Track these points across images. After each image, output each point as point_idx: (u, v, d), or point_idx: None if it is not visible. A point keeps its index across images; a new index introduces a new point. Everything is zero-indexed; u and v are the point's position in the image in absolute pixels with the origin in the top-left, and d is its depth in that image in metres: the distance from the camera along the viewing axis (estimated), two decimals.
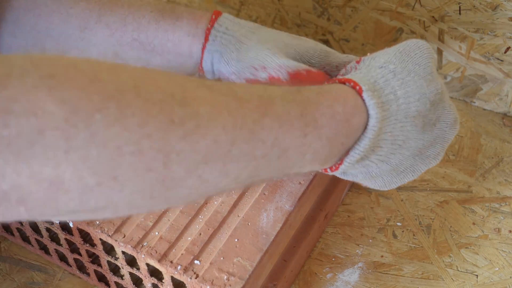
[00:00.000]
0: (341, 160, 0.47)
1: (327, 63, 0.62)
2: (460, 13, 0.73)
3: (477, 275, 0.63)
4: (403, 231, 0.68)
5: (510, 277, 0.63)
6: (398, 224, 0.68)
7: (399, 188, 0.71)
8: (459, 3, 0.72)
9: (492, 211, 0.69)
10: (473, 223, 0.68)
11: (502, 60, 0.75)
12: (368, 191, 0.71)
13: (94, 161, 0.33)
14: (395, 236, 0.67)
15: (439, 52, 0.79)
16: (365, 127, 0.46)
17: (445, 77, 0.81)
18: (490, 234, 0.67)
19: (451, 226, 0.68)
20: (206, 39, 0.61)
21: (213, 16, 0.62)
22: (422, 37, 0.78)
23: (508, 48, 0.73)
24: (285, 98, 0.43)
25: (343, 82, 0.47)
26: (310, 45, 0.61)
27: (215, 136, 0.38)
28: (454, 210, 0.69)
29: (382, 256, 0.65)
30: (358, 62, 0.51)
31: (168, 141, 0.35)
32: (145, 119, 0.35)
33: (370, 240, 0.67)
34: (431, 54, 0.51)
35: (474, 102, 0.81)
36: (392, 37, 0.81)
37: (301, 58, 0.61)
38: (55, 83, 0.32)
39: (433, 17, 0.76)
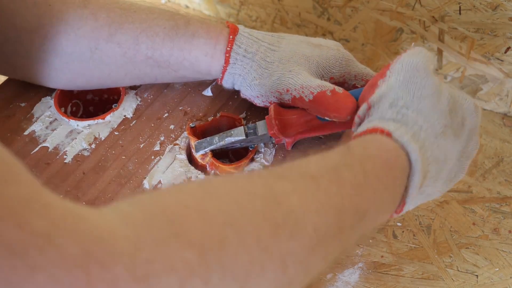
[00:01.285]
0: (402, 201, 0.49)
1: (347, 72, 0.62)
2: (460, 13, 0.73)
3: (477, 275, 0.63)
4: (403, 231, 0.68)
5: (510, 277, 0.63)
6: (398, 224, 0.68)
7: None
8: (459, 3, 0.72)
9: (492, 211, 0.69)
10: (473, 223, 0.68)
11: (502, 60, 0.75)
12: None
13: None
14: (395, 236, 0.67)
15: (439, 52, 0.79)
16: (410, 163, 0.48)
17: (445, 77, 0.81)
18: (490, 234, 0.67)
19: (451, 226, 0.68)
20: (227, 62, 0.60)
21: (231, 37, 0.60)
22: (422, 37, 0.78)
23: (508, 48, 0.73)
24: (346, 163, 0.44)
25: (372, 132, 0.49)
26: (332, 54, 0.61)
27: (313, 224, 0.39)
28: (454, 210, 0.69)
29: (382, 256, 0.65)
30: (368, 109, 0.51)
31: (281, 245, 0.36)
32: (259, 233, 0.35)
33: (370, 240, 0.67)
34: (428, 65, 0.51)
35: None
36: (392, 37, 0.81)
37: (323, 70, 0.61)
38: (178, 229, 0.32)
39: (433, 17, 0.76)
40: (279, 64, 0.59)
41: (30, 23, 0.60)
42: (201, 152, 0.60)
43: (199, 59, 0.61)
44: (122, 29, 0.60)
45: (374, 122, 0.49)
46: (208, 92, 0.67)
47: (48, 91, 0.67)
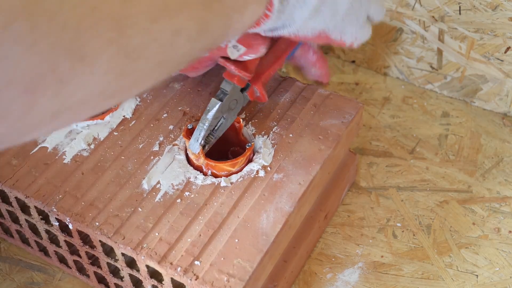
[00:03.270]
0: None
1: None
2: (460, 13, 0.73)
3: (477, 275, 0.63)
4: (403, 231, 0.68)
5: (510, 277, 0.63)
6: (398, 224, 0.68)
7: (399, 188, 0.71)
8: (459, 3, 0.72)
9: (492, 211, 0.69)
10: (473, 223, 0.68)
11: (502, 60, 0.75)
12: (368, 190, 0.71)
13: (59, 42, 0.33)
14: (395, 236, 0.67)
15: (439, 52, 0.79)
16: None
17: (445, 77, 0.81)
18: (490, 234, 0.67)
19: (451, 226, 0.68)
20: None
21: None
22: (422, 37, 0.78)
23: (508, 48, 0.73)
24: None
25: None
26: None
27: None
28: (454, 210, 0.69)
29: (382, 256, 0.65)
30: None
31: (114, 8, 0.35)
32: None
33: (370, 240, 0.67)
34: None
35: (474, 102, 0.81)
36: (392, 37, 0.80)
37: None
38: None
39: (433, 17, 0.75)
40: None
41: None
42: (198, 145, 0.59)
43: None
44: None
45: None
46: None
47: None
